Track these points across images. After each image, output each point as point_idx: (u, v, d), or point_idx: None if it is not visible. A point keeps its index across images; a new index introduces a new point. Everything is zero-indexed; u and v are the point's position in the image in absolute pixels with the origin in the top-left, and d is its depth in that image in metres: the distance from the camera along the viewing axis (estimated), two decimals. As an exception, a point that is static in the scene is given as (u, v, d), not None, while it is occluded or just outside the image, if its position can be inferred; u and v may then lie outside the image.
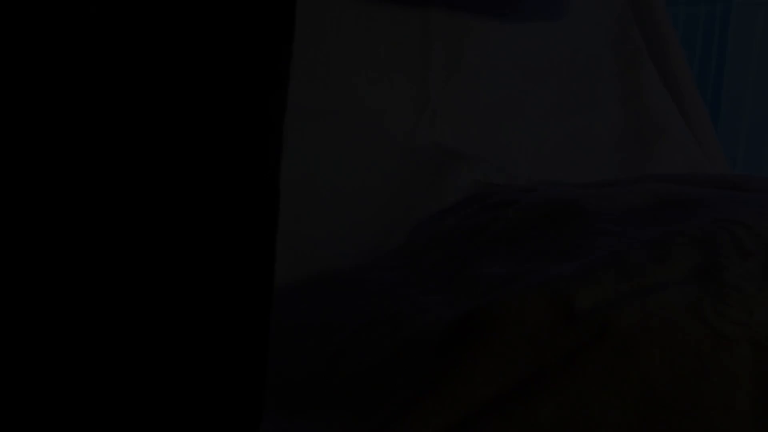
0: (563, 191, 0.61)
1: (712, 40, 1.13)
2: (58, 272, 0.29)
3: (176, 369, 0.31)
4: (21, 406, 0.28)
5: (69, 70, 0.28)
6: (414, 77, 0.74)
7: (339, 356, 0.47)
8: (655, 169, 0.82)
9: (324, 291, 0.54)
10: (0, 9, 0.26)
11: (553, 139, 0.82)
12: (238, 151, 0.31)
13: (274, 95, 0.32)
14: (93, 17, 0.27)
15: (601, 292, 0.43)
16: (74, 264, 0.29)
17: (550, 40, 0.83)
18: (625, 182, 0.64)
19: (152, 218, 0.30)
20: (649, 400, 0.38)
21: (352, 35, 0.71)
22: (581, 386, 0.39)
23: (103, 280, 0.29)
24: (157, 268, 0.30)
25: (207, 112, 0.30)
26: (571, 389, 0.39)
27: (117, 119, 0.28)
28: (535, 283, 0.45)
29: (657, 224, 0.52)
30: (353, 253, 0.59)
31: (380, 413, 0.41)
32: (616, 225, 0.53)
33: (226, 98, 0.31)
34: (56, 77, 0.27)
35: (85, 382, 0.29)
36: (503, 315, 0.42)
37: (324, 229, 0.61)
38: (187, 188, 0.30)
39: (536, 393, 0.39)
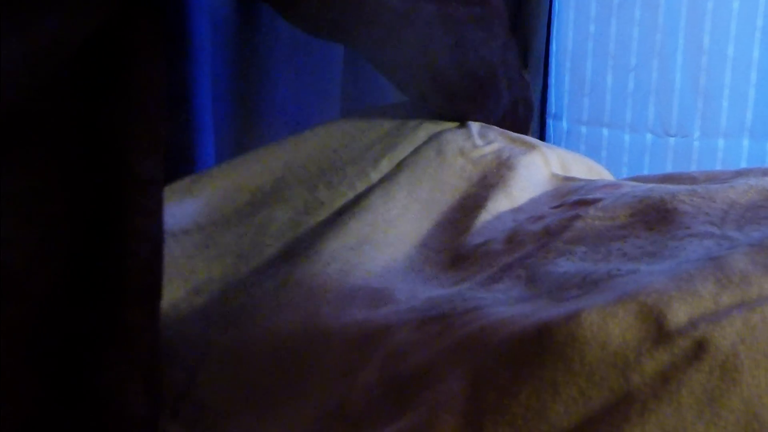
0: (653, 188, 0.58)
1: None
2: None
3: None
4: None
5: None
6: None
7: (392, 358, 0.45)
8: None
9: (376, 292, 0.52)
10: None
11: None
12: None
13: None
14: None
15: (698, 304, 0.40)
16: None
17: None
18: (725, 176, 0.61)
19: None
20: (754, 430, 0.36)
21: None
22: (675, 414, 0.37)
23: None
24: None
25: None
26: (663, 418, 0.37)
27: None
28: (621, 292, 0.42)
29: (763, 225, 0.49)
30: (417, 254, 0.57)
31: None
32: (716, 226, 0.50)
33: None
34: None
35: None
36: (583, 331, 0.40)
37: (383, 231, 0.59)
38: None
39: (622, 422, 0.37)
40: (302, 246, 0.60)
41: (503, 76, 0.64)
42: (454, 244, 0.58)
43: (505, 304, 0.45)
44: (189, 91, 0.92)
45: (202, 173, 0.67)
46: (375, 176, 0.67)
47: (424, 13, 0.55)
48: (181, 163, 0.93)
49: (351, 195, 0.65)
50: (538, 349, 0.40)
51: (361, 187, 0.66)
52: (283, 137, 0.73)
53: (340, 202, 0.64)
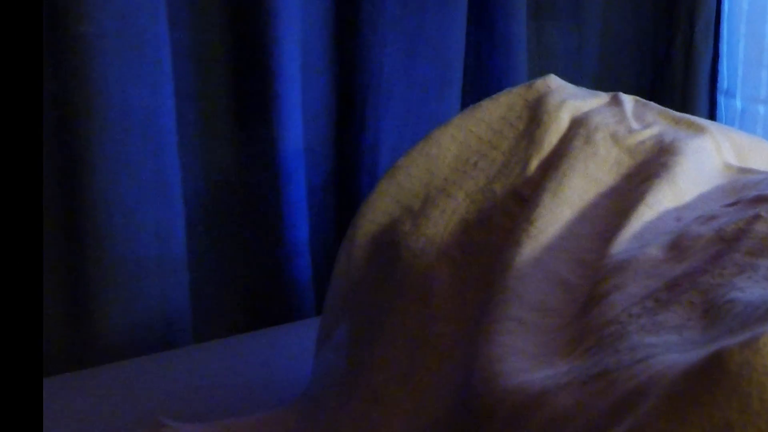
0: None
1: None
2: None
3: None
4: None
5: None
6: None
7: (550, 428, 0.42)
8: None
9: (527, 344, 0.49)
10: None
11: None
12: None
13: None
14: None
15: None
16: None
17: None
18: None
19: None
20: None
21: None
22: None
23: None
24: None
25: None
26: None
27: None
28: (811, 311, 0.37)
29: None
30: (569, 275, 0.54)
31: None
32: None
33: None
34: None
35: None
36: (762, 359, 0.35)
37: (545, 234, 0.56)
38: None
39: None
40: None
41: None
42: (608, 251, 0.54)
43: (678, 350, 0.41)
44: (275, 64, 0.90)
45: None
46: (526, 191, 0.61)
47: None
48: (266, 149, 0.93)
49: (508, 224, 0.59)
50: (707, 384, 0.35)
51: (514, 207, 0.60)
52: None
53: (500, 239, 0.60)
